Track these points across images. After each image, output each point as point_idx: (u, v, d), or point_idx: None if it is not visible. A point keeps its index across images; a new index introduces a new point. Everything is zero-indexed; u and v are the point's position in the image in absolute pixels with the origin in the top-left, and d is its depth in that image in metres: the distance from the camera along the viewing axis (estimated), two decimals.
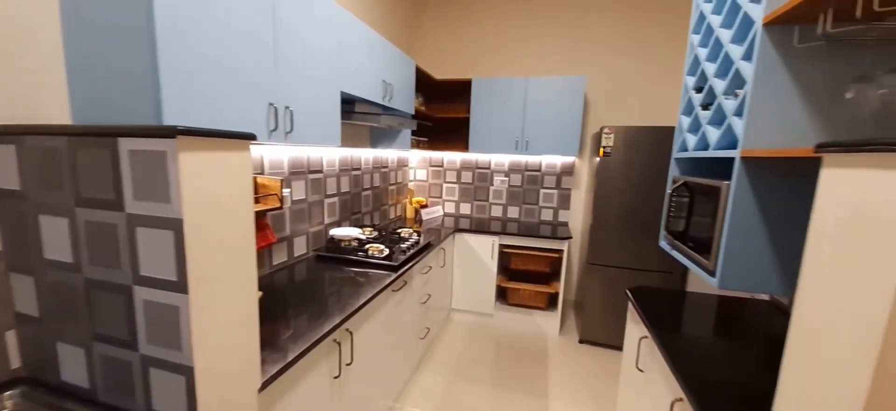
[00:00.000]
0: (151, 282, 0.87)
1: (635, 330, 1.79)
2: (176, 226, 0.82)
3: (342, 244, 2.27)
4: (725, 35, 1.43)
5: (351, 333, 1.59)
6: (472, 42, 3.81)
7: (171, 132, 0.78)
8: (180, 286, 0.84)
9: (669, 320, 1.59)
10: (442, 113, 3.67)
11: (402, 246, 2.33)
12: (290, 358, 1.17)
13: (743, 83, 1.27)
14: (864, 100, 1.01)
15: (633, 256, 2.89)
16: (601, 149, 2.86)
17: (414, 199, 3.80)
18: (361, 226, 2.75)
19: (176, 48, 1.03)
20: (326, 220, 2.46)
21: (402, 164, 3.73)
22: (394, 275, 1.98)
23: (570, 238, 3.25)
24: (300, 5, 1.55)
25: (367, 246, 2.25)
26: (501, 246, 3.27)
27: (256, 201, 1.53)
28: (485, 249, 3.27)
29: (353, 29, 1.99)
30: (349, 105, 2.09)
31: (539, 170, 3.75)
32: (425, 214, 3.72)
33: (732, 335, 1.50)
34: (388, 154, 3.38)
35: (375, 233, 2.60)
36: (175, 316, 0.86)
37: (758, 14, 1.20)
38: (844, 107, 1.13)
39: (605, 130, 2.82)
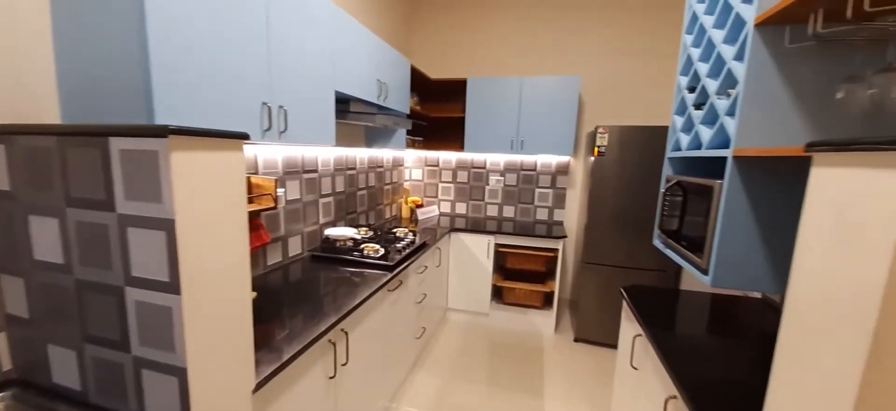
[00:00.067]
0: (143, 283, 0.86)
1: (630, 328, 1.80)
2: (168, 226, 0.81)
3: (337, 244, 2.26)
4: (718, 35, 1.45)
5: (346, 333, 1.58)
6: (467, 42, 3.80)
7: (162, 131, 0.77)
8: (173, 287, 0.83)
9: (663, 318, 1.60)
10: (437, 112, 3.67)
11: (398, 245, 2.33)
12: (284, 359, 1.17)
13: (735, 83, 1.29)
14: (855, 99, 1.02)
15: (628, 255, 2.91)
16: (596, 149, 2.87)
17: (409, 199, 3.80)
18: (357, 226, 2.74)
19: (168, 46, 1.02)
20: (321, 220, 2.45)
21: (397, 164, 3.73)
22: (389, 275, 1.98)
23: (566, 237, 3.26)
24: (294, 4, 1.54)
25: (362, 245, 2.25)
26: (497, 245, 3.28)
27: (250, 201, 1.52)
28: (480, 249, 3.28)
29: (348, 28, 1.98)
30: (344, 104, 2.08)
31: (534, 170, 3.75)
32: (421, 214, 3.72)
33: (725, 333, 1.51)
34: (384, 153, 3.37)
35: (371, 233, 2.60)
36: (168, 317, 0.85)
37: (749, 14, 1.21)
38: (835, 107, 1.15)
39: (600, 130, 2.84)
